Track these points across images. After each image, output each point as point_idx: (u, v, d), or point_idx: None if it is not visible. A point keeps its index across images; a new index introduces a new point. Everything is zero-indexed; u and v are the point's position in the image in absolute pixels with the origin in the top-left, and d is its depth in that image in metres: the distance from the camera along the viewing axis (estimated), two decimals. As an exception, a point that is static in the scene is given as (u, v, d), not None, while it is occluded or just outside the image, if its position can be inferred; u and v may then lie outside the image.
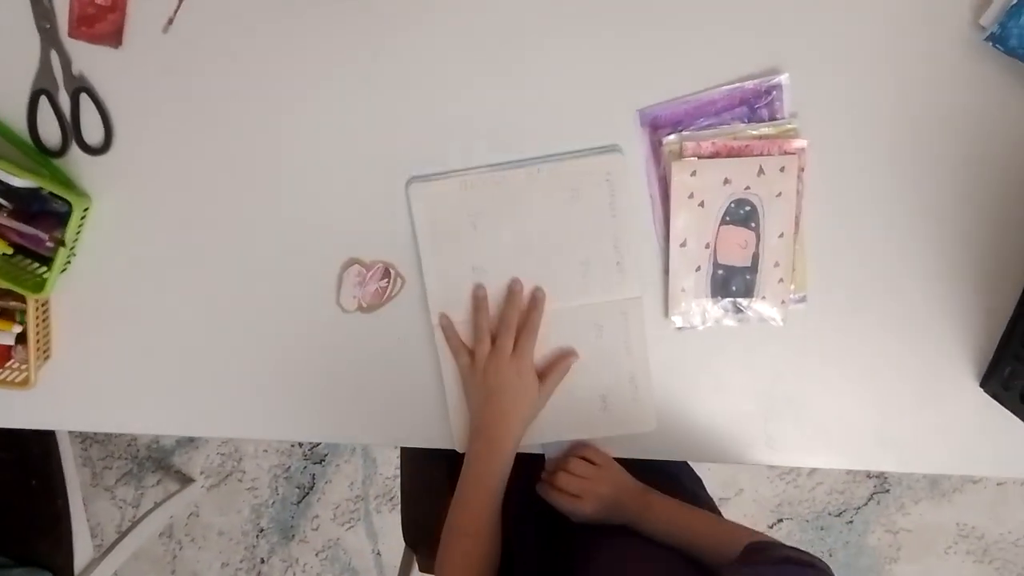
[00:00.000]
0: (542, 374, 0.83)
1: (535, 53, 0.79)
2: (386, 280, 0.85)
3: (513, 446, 0.81)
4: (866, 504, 1.82)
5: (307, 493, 2.01)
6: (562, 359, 0.84)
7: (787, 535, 1.86)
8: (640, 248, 0.82)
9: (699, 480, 1.02)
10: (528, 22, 0.78)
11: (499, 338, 0.82)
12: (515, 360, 0.81)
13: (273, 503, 2.04)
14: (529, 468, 0.88)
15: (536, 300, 0.83)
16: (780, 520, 1.85)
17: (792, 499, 1.84)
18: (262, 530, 2.06)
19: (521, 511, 0.87)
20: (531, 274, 0.83)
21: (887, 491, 1.81)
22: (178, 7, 0.79)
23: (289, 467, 2.01)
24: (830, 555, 1.86)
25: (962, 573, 1.83)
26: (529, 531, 0.87)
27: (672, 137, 0.79)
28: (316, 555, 2.05)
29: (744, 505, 1.84)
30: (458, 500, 0.80)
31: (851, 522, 1.84)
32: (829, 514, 1.84)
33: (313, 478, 2.00)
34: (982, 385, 0.82)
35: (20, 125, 0.83)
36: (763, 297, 0.82)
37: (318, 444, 1.97)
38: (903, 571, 1.84)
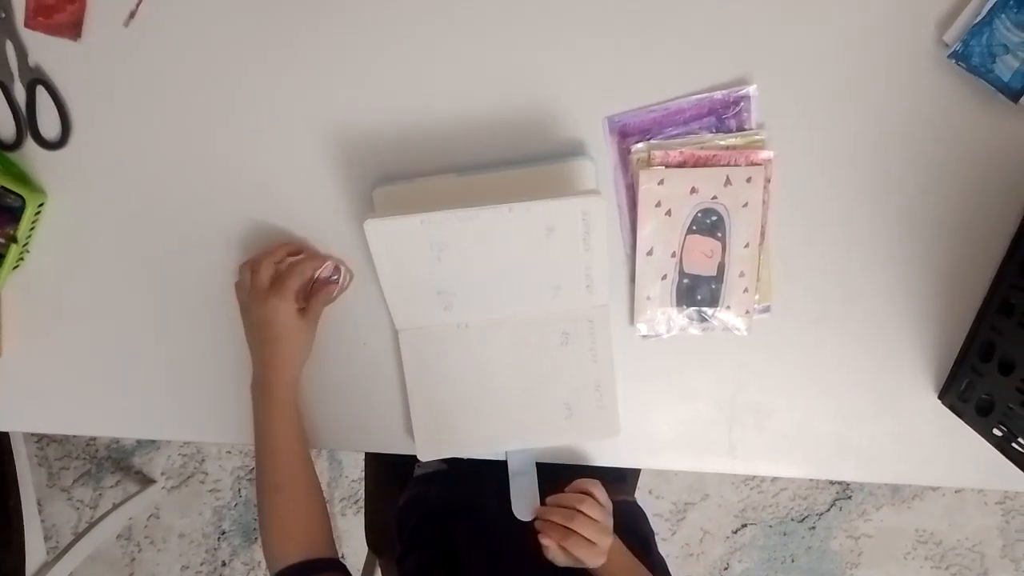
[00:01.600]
0: (305, 307, 0.80)
1: (502, 57, 0.78)
2: (336, 276, 0.84)
3: (286, 388, 0.78)
4: (828, 510, 1.85)
5: (271, 495, 1.98)
6: (322, 285, 0.82)
7: (751, 540, 1.88)
8: (608, 263, 0.81)
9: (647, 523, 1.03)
10: (495, 25, 0.77)
11: (255, 274, 0.77)
12: (270, 295, 0.76)
13: (236, 505, 2.00)
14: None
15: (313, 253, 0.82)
16: (744, 525, 1.87)
17: (756, 504, 1.86)
18: (224, 532, 2.03)
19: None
20: (500, 296, 0.81)
21: (849, 497, 1.84)
22: (141, 0, 0.77)
23: (252, 468, 1.97)
24: (792, 560, 1.88)
25: (920, 578, 1.86)
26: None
27: (640, 145, 0.78)
28: (279, 558, 2.02)
29: (709, 510, 1.86)
30: (256, 458, 0.78)
31: (814, 528, 1.86)
32: (792, 520, 1.86)
33: (277, 480, 1.97)
34: (940, 397, 0.84)
35: (-28, 117, 0.81)
36: (728, 307, 0.82)
37: (283, 446, 1.94)
38: (864, 576, 1.87)
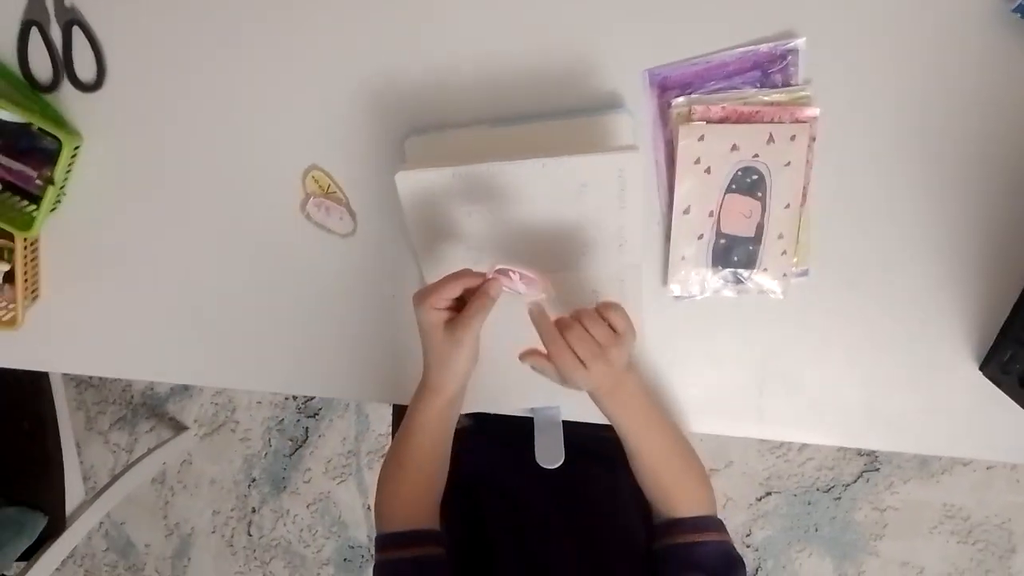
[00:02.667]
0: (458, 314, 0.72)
1: (539, 4, 0.76)
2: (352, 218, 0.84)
3: (432, 391, 0.76)
4: (855, 481, 1.83)
5: (300, 446, 2.03)
6: (480, 294, 0.70)
7: (774, 508, 1.87)
8: (642, 222, 0.79)
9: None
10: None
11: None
12: (417, 299, 0.71)
13: (265, 455, 2.05)
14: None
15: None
16: (768, 494, 1.86)
17: (781, 473, 1.85)
18: (254, 480, 2.08)
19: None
20: (530, 253, 0.79)
21: (877, 470, 1.82)
22: (175, -60, 0.76)
23: (282, 420, 2.01)
24: (816, 530, 1.87)
25: (946, 552, 1.84)
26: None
27: (681, 100, 0.76)
28: (307, 507, 2.07)
29: (733, 477, 1.85)
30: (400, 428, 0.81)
31: (839, 498, 1.85)
32: (817, 489, 1.85)
33: (306, 431, 2.01)
34: (981, 368, 0.81)
35: (10, 58, 0.81)
36: (765, 269, 0.80)
37: (312, 398, 1.97)
38: (888, 548, 1.86)
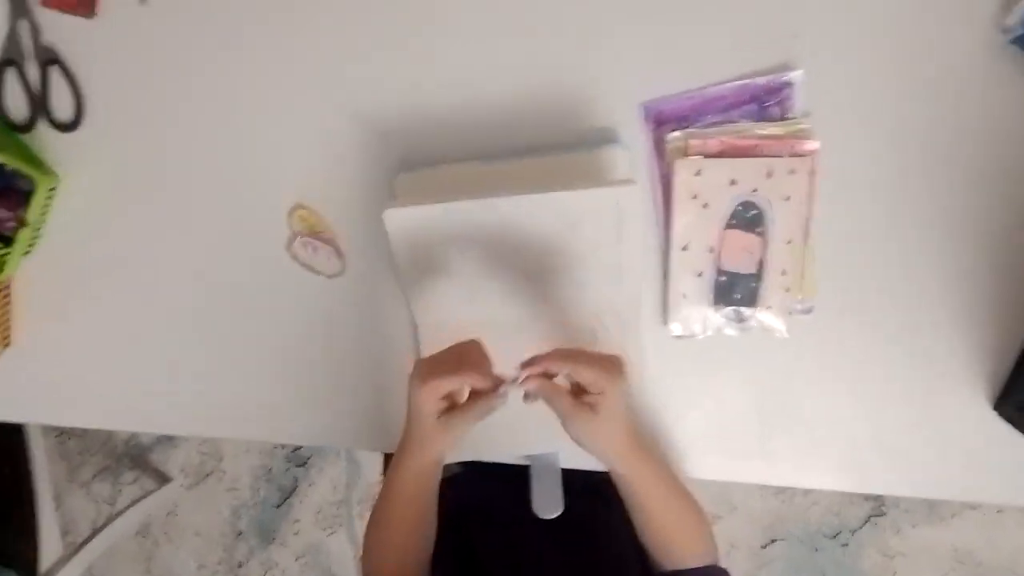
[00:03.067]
0: (455, 410, 0.67)
1: (530, 39, 0.74)
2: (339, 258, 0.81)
3: (414, 462, 0.71)
4: (862, 526, 1.77)
5: (288, 495, 1.96)
6: (483, 399, 0.66)
7: (779, 555, 1.81)
8: (640, 257, 0.77)
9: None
10: (523, 6, 0.73)
11: (433, 354, 0.67)
12: (416, 378, 0.65)
13: (253, 504, 1.99)
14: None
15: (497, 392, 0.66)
16: (773, 540, 1.81)
17: (786, 518, 1.79)
18: (241, 532, 2.01)
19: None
20: (524, 291, 0.77)
21: (884, 514, 1.76)
22: (157, -23, 0.74)
23: (271, 468, 1.96)
24: (823, 577, 1.81)
25: (957, 599, 1.78)
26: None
27: (677, 134, 0.74)
28: (296, 559, 2.00)
29: (736, 522, 1.80)
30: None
31: (846, 544, 1.79)
32: (823, 535, 1.79)
33: (295, 480, 1.95)
34: (996, 407, 0.78)
35: (-14, 97, 0.79)
36: (768, 307, 0.77)
37: (300, 446, 1.92)
38: (897, 596, 1.80)
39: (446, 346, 0.70)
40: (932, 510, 1.75)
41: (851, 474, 0.83)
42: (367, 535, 0.77)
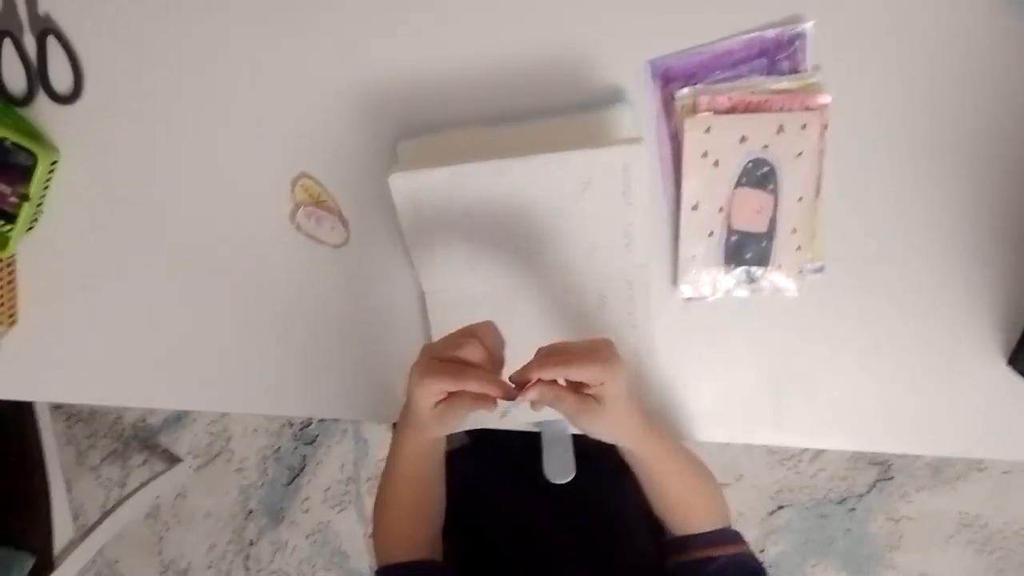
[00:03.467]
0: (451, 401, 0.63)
1: (538, -2, 0.73)
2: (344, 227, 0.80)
3: (412, 443, 0.70)
4: (868, 491, 1.78)
5: (297, 475, 1.97)
6: (484, 404, 0.62)
7: (787, 523, 1.82)
8: (648, 216, 0.76)
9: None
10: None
11: (432, 347, 0.64)
12: (415, 375, 0.62)
13: (262, 484, 1.99)
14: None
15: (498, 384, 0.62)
16: (780, 507, 1.81)
17: (793, 485, 1.80)
18: (251, 512, 2.02)
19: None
20: (532, 257, 0.76)
21: (890, 478, 1.77)
22: (152, -58, 0.73)
23: (279, 448, 1.96)
24: (830, 543, 1.82)
25: (963, 562, 1.79)
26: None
27: (685, 91, 0.73)
28: (306, 538, 2.01)
29: (743, 491, 1.80)
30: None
31: (853, 510, 1.79)
32: (830, 501, 1.80)
33: (303, 459, 1.96)
34: (1010, 362, 0.77)
35: (-18, 70, 0.78)
36: (779, 266, 0.77)
37: (309, 424, 1.92)
38: (904, 560, 1.80)
39: (455, 321, 0.66)
40: (937, 473, 1.75)
41: (865, 434, 0.83)
42: (375, 514, 0.78)
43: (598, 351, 0.61)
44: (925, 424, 0.82)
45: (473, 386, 0.61)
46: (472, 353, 0.61)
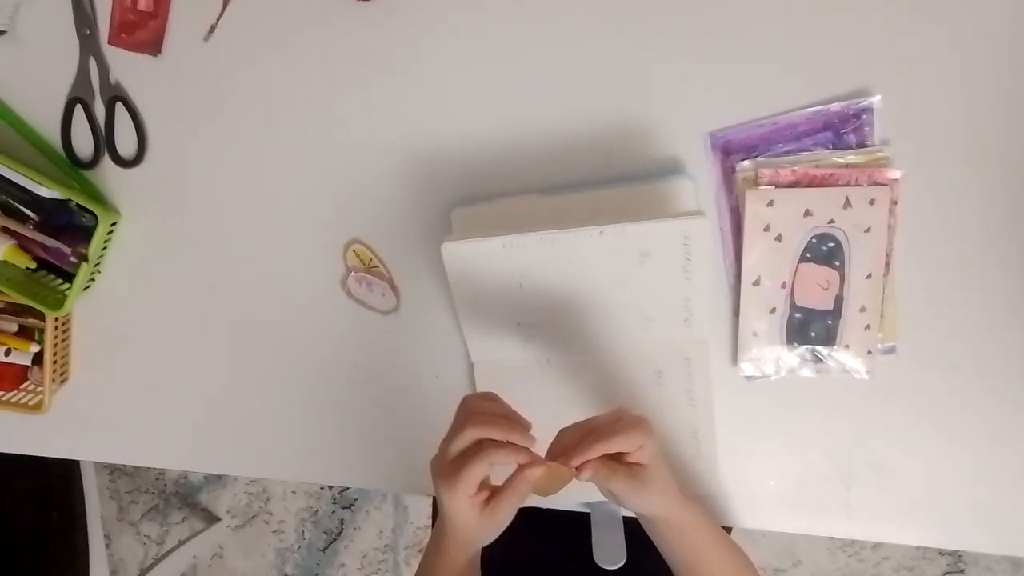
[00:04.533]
0: (496, 494, 0.60)
1: (591, 67, 0.72)
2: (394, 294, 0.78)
3: (454, 553, 0.65)
4: (938, 585, 1.66)
5: (334, 539, 1.93)
6: (519, 478, 0.58)
7: (848, 614, 1.70)
8: (710, 294, 0.73)
9: None
10: (584, 32, 0.71)
11: (448, 440, 0.60)
12: (445, 479, 0.58)
13: (299, 548, 1.96)
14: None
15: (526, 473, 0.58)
16: (841, 597, 1.70)
17: (855, 574, 1.69)
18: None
19: None
20: (586, 329, 0.73)
21: (962, 571, 1.65)
22: (221, 14, 0.75)
23: (317, 511, 1.93)
24: (896, 639, 1.69)
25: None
26: None
27: (746, 163, 0.71)
28: (341, 606, 1.95)
29: (801, 578, 1.70)
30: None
31: (921, 604, 1.67)
32: (896, 593, 1.68)
33: (342, 523, 1.92)
34: (1106, 458, 0.71)
35: (53, 134, 0.80)
36: (846, 346, 0.73)
37: (347, 488, 1.89)
38: (978, 663, 1.66)
39: (503, 393, 0.64)
40: (1017, 570, 1.62)
41: (943, 528, 0.76)
42: None
43: (624, 417, 0.61)
44: (1009, 521, 0.75)
45: (500, 453, 0.57)
46: (489, 427, 0.58)
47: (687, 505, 0.66)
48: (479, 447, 0.58)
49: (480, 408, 0.61)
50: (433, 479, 0.60)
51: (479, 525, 0.60)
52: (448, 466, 0.58)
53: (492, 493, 0.59)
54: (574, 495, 0.76)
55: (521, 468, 0.58)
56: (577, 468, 0.58)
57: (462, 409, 0.62)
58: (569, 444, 0.60)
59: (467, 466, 0.57)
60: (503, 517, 0.59)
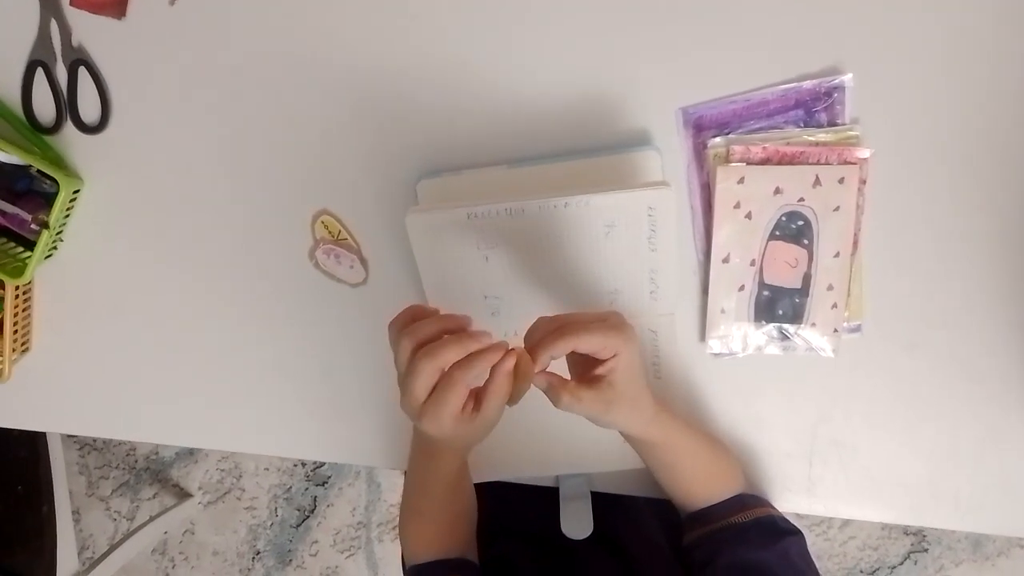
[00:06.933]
0: (479, 398, 0.56)
1: (560, 38, 0.71)
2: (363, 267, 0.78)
3: (445, 459, 0.67)
4: (902, 563, 1.70)
5: (307, 516, 1.93)
6: (498, 373, 0.54)
7: (814, 592, 1.73)
8: (676, 266, 0.73)
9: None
10: (557, 2, 0.71)
11: (408, 375, 0.56)
12: (424, 415, 0.55)
13: (271, 524, 1.95)
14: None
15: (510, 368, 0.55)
16: None
17: (821, 553, 1.72)
18: (258, 552, 1.97)
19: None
20: (552, 302, 0.73)
21: (925, 550, 1.69)
22: (187, -23, 0.73)
23: (290, 487, 1.93)
24: (860, 616, 1.73)
25: (1003, 645, 1.69)
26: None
27: (718, 140, 0.71)
28: (313, 582, 1.95)
29: (768, 556, 1.73)
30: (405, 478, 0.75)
31: (884, 582, 1.71)
32: (861, 572, 1.71)
33: (314, 500, 1.92)
34: (1062, 436, 0.73)
35: (13, 98, 0.78)
36: (813, 324, 0.73)
37: (321, 465, 1.89)
38: (939, 639, 1.71)
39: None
40: (977, 548, 1.66)
41: (902, 506, 0.78)
42: (403, 519, 0.76)
43: (611, 319, 0.56)
44: (966, 498, 0.77)
45: (481, 360, 0.53)
46: (444, 350, 0.53)
47: (659, 419, 0.64)
48: (447, 379, 0.54)
49: (419, 333, 0.56)
50: (413, 420, 0.57)
51: (470, 432, 0.57)
52: (425, 407, 0.55)
53: (474, 397, 0.56)
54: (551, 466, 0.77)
55: (495, 366, 0.54)
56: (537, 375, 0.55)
57: (399, 339, 0.56)
58: (544, 336, 0.56)
59: (445, 400, 0.54)
60: (493, 417, 0.57)
